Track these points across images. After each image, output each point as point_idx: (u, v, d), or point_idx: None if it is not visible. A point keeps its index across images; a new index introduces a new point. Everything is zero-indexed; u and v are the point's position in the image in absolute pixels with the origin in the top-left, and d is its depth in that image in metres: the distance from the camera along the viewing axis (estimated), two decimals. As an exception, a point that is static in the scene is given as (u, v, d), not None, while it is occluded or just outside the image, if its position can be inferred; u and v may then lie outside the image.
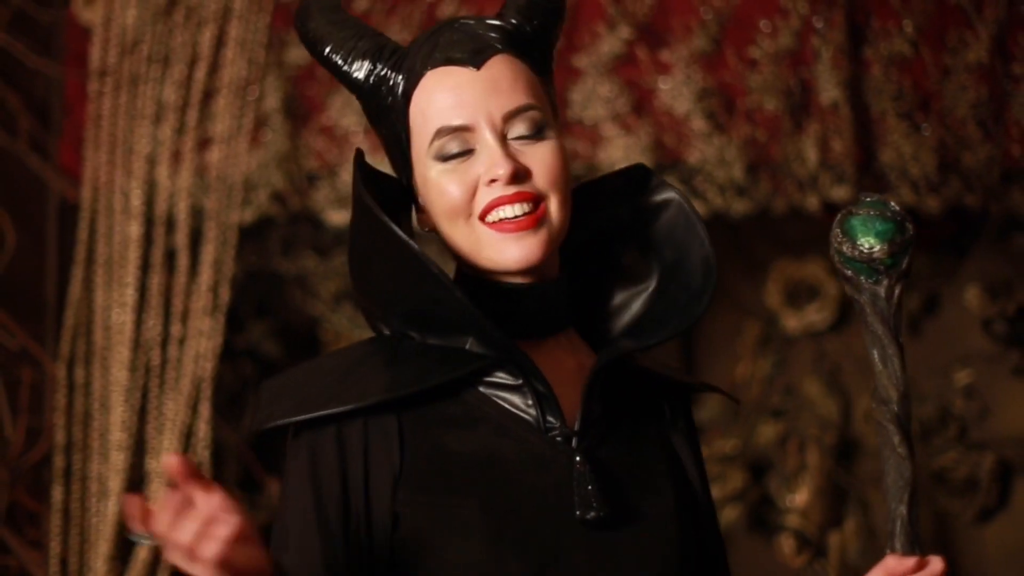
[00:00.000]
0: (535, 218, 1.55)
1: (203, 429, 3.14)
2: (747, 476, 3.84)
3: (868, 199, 1.56)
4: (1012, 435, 3.64)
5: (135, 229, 3.21)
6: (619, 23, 3.07)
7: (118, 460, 3.15)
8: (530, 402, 1.54)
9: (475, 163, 1.56)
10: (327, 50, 1.61)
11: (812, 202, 3.04)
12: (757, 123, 3.04)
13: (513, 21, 1.60)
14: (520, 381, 1.54)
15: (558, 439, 1.54)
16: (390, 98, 1.60)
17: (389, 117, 1.61)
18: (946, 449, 3.78)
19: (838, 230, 1.55)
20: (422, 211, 1.63)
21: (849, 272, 1.56)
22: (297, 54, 3.24)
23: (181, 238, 3.20)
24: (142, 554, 3.11)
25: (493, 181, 1.54)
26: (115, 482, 3.15)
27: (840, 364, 3.90)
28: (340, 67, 1.61)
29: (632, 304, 1.66)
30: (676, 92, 3.05)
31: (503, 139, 1.56)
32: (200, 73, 3.20)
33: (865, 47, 3.04)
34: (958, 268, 3.76)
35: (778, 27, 3.03)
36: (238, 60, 3.18)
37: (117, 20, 3.24)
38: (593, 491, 1.50)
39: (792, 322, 3.91)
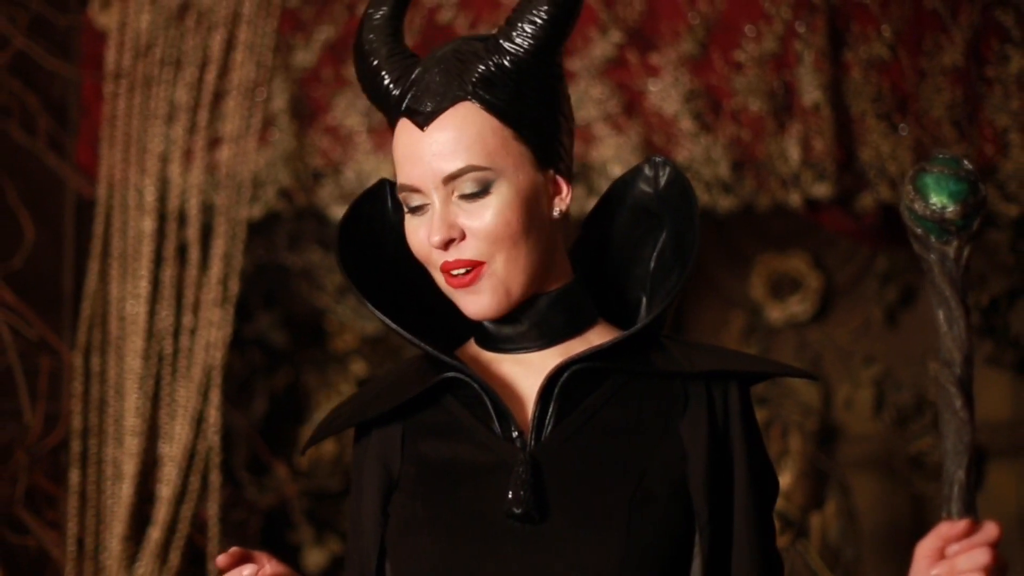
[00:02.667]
0: (473, 278, 1.56)
1: (213, 415, 3.17)
2: (732, 461, 3.86)
3: (941, 156, 1.47)
4: (986, 421, 3.61)
5: (148, 224, 3.25)
6: (610, 28, 3.10)
7: (132, 445, 3.20)
8: (491, 412, 1.60)
9: (427, 220, 1.58)
10: (362, 71, 1.64)
11: (794, 199, 3.04)
12: (742, 123, 3.05)
13: (492, 61, 1.55)
14: (479, 393, 1.60)
15: (517, 444, 1.58)
16: (388, 120, 1.63)
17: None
18: (922, 435, 3.83)
19: (910, 187, 1.46)
20: None
21: (919, 230, 1.46)
22: (303, 57, 3.26)
23: (192, 233, 3.23)
24: (155, 534, 3.15)
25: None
26: (129, 466, 3.19)
27: (821, 353, 3.94)
28: (365, 83, 1.64)
29: (661, 289, 1.68)
30: (665, 94, 3.07)
31: (447, 199, 1.56)
32: (211, 75, 3.24)
33: (845, 51, 3.05)
34: (935, 261, 3.79)
35: (762, 32, 3.05)
36: (247, 63, 3.21)
37: (131, 24, 3.28)
38: (526, 491, 1.53)
39: (775, 313, 3.96)
